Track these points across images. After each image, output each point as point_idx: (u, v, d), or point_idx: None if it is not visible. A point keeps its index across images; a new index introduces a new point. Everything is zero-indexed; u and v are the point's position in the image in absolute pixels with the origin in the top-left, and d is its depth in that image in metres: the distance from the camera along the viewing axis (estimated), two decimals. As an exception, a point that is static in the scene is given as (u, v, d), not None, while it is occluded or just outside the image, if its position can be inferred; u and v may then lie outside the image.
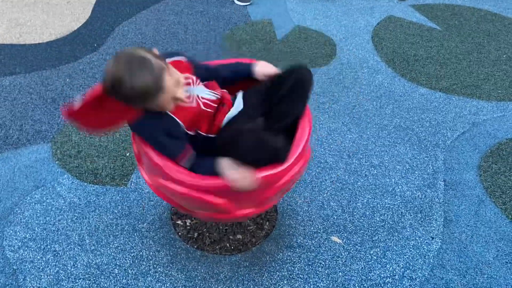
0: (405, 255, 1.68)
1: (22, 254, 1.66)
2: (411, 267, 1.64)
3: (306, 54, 2.84)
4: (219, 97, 1.42)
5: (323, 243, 1.71)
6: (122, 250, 1.67)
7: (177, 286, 1.57)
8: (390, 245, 1.71)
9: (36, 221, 1.78)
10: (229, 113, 1.43)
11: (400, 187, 1.95)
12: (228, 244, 1.70)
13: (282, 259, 1.66)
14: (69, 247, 1.69)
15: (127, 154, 2.07)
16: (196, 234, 1.73)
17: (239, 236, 1.73)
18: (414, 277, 1.61)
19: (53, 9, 3.39)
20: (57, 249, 1.68)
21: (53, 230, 1.75)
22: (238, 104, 1.46)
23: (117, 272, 1.60)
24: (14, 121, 2.29)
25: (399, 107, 2.41)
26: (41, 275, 1.59)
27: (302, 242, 1.72)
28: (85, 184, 1.93)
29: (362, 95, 2.49)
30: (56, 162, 2.04)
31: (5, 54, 2.83)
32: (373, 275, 1.61)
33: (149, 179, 1.43)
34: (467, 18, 3.33)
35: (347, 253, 1.68)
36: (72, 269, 1.61)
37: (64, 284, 1.56)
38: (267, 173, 1.26)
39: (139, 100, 1.18)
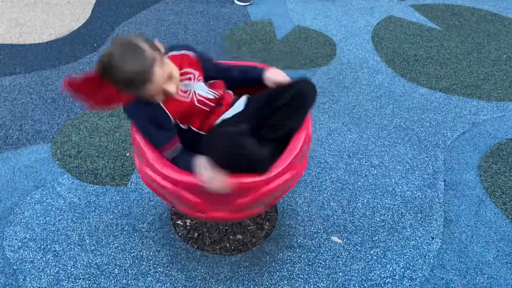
0: (405, 255, 1.68)
1: (22, 254, 1.66)
2: (411, 267, 1.64)
3: (306, 54, 2.84)
4: (217, 96, 1.42)
5: (323, 243, 1.71)
6: (122, 250, 1.67)
7: (177, 286, 1.57)
8: (390, 245, 1.71)
9: (36, 221, 1.78)
10: (224, 114, 1.42)
11: (400, 187, 1.95)
12: (228, 244, 1.70)
13: (282, 259, 1.66)
14: (69, 247, 1.69)
15: (127, 154, 2.07)
16: (196, 234, 1.73)
17: (239, 236, 1.73)
18: (414, 277, 1.61)
19: (53, 9, 3.39)
20: (57, 249, 1.68)
21: (53, 230, 1.74)
22: (237, 107, 1.45)
23: (117, 272, 1.60)
24: (14, 121, 2.28)
25: (399, 107, 2.41)
26: (41, 275, 1.59)
27: (302, 242, 1.72)
28: (85, 184, 1.93)
29: (362, 95, 2.50)
30: (56, 162, 2.04)
31: (5, 54, 2.83)
32: (373, 275, 1.61)
33: (138, 165, 1.45)
34: (467, 18, 3.33)
35: (347, 253, 1.68)
36: (72, 269, 1.61)
37: (64, 284, 1.56)
38: (241, 181, 1.23)
39: (126, 87, 1.20)
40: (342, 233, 1.75)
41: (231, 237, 1.73)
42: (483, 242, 1.73)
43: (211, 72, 1.48)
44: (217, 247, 1.69)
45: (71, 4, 3.45)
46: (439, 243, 1.72)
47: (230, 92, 1.49)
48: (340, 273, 1.62)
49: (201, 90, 1.40)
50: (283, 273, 1.61)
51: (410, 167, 2.05)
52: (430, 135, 2.23)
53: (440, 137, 2.22)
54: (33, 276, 1.59)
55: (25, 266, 1.62)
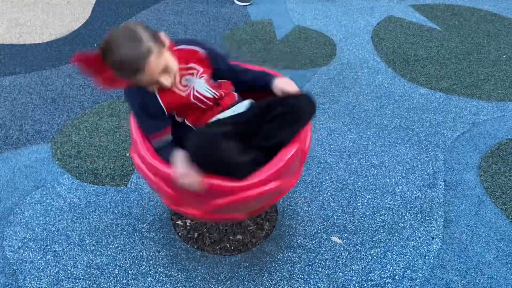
0: (405, 256, 1.68)
1: (22, 254, 1.66)
2: (411, 268, 1.64)
3: (306, 54, 2.84)
4: (216, 96, 1.42)
5: (323, 243, 1.71)
6: (122, 250, 1.67)
7: (177, 286, 1.56)
8: (390, 246, 1.71)
9: (36, 221, 1.78)
10: (220, 114, 1.42)
11: (400, 187, 1.95)
12: (228, 245, 1.70)
13: (282, 259, 1.66)
14: (69, 247, 1.68)
15: (127, 154, 2.07)
16: (196, 235, 1.73)
17: (239, 237, 1.73)
18: (414, 277, 1.61)
19: (53, 9, 3.38)
20: (57, 249, 1.68)
21: (53, 231, 1.74)
22: (236, 109, 1.44)
23: (117, 272, 1.60)
24: (14, 121, 2.28)
25: (399, 107, 2.41)
26: (41, 276, 1.59)
27: (302, 242, 1.71)
28: (85, 184, 1.93)
29: (362, 95, 2.50)
30: (56, 162, 2.03)
31: (5, 54, 2.82)
32: (373, 276, 1.61)
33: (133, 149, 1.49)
34: (467, 18, 3.33)
35: (347, 253, 1.68)
36: (72, 270, 1.61)
37: (64, 284, 1.56)
38: (213, 182, 1.24)
39: (119, 72, 1.22)
40: (342, 233, 1.75)
41: (231, 237, 1.73)
42: (483, 242, 1.73)
43: (223, 71, 1.48)
44: (217, 247, 1.69)
45: (71, 4, 3.45)
46: (439, 243, 1.72)
47: (236, 94, 1.49)
48: (340, 273, 1.62)
49: (201, 87, 1.40)
50: (283, 273, 1.61)
51: (410, 167, 2.05)
52: (430, 135, 2.23)
53: (440, 137, 2.22)
54: (33, 276, 1.59)
55: (25, 266, 1.62)
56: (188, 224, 1.77)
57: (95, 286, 1.56)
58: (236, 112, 1.43)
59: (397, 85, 2.58)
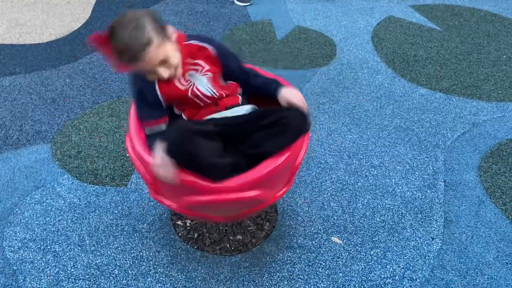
0: (406, 256, 1.68)
1: (22, 254, 1.66)
2: (411, 268, 1.64)
3: (306, 55, 2.84)
4: (215, 96, 1.42)
5: (323, 243, 1.71)
6: (122, 250, 1.67)
7: (177, 286, 1.56)
8: (391, 246, 1.71)
9: (36, 222, 1.78)
10: (216, 113, 1.42)
11: (400, 187, 1.95)
12: (228, 245, 1.70)
13: (282, 259, 1.66)
14: (69, 247, 1.68)
15: (127, 155, 2.07)
16: (196, 235, 1.73)
17: (239, 237, 1.73)
18: (414, 277, 1.61)
19: (53, 9, 3.38)
20: (57, 249, 1.68)
21: (53, 231, 1.74)
22: (234, 112, 1.43)
23: (117, 272, 1.60)
24: (14, 121, 2.28)
25: (399, 108, 2.41)
26: (41, 276, 1.59)
27: (302, 242, 1.71)
28: (85, 184, 1.93)
29: (362, 95, 2.50)
30: (56, 163, 2.03)
31: (5, 54, 2.82)
32: (373, 276, 1.61)
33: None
34: (467, 18, 3.33)
35: (347, 253, 1.68)
36: (72, 270, 1.61)
37: (64, 284, 1.56)
38: (184, 178, 1.25)
39: (118, 57, 1.24)
40: (342, 234, 1.75)
41: (231, 237, 1.73)
42: (483, 243, 1.73)
43: (233, 72, 1.48)
44: (217, 247, 1.69)
45: (71, 4, 3.45)
46: (439, 244, 1.72)
47: (240, 97, 1.48)
48: (340, 273, 1.62)
49: (201, 84, 1.40)
50: (283, 274, 1.61)
51: (410, 168, 2.05)
52: (430, 136, 2.23)
53: (440, 138, 2.22)
54: (33, 276, 1.59)
55: (25, 266, 1.62)
56: (188, 224, 1.77)
57: (95, 286, 1.56)
58: (232, 115, 1.43)
59: (397, 86, 2.58)
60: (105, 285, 1.56)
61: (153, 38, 1.22)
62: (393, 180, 1.98)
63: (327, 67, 2.72)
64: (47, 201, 1.86)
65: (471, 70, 2.73)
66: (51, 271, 1.61)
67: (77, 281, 1.57)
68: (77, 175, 1.97)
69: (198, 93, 1.40)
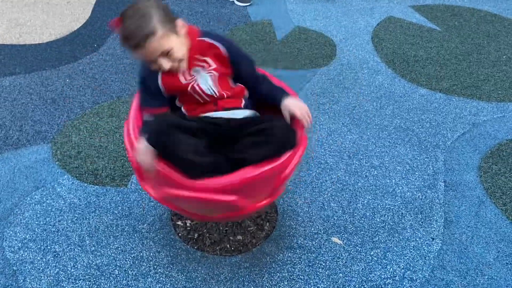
0: (406, 256, 1.68)
1: (22, 255, 1.66)
2: (411, 268, 1.64)
3: (306, 55, 2.84)
4: (215, 95, 1.42)
5: (323, 244, 1.71)
6: (122, 251, 1.67)
7: (178, 287, 1.56)
8: (391, 246, 1.71)
9: (36, 222, 1.78)
10: (212, 113, 1.43)
11: (400, 188, 1.95)
12: (228, 245, 1.70)
13: (283, 260, 1.66)
14: (69, 248, 1.68)
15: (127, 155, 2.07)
16: (196, 235, 1.73)
17: (239, 237, 1.73)
18: (414, 278, 1.61)
19: (53, 9, 3.38)
20: (57, 250, 1.68)
21: (53, 231, 1.74)
22: (231, 114, 1.43)
23: (117, 273, 1.60)
24: (14, 121, 2.28)
25: (399, 108, 2.41)
26: (41, 276, 1.59)
27: (302, 243, 1.71)
28: (85, 184, 1.93)
29: (362, 95, 2.50)
30: (56, 163, 2.03)
31: (5, 54, 2.82)
32: (373, 276, 1.61)
33: None
34: (467, 19, 3.33)
35: (347, 254, 1.68)
36: (72, 270, 1.61)
37: (64, 285, 1.56)
38: (159, 168, 1.27)
39: (124, 43, 1.27)
40: (343, 234, 1.75)
41: (231, 238, 1.73)
42: (483, 243, 1.73)
43: (243, 75, 1.47)
44: (217, 248, 1.69)
45: (71, 4, 3.45)
46: (439, 244, 1.72)
47: (243, 101, 1.47)
48: (341, 274, 1.62)
49: (203, 81, 1.40)
50: (284, 274, 1.61)
51: (410, 168, 2.05)
52: (430, 136, 2.23)
53: (440, 138, 2.22)
54: (33, 277, 1.59)
55: (25, 267, 1.62)
56: (188, 224, 1.77)
57: (95, 286, 1.56)
58: (227, 116, 1.42)
59: (397, 86, 2.58)
60: (105, 286, 1.56)
61: (157, 29, 1.24)
62: (393, 181, 1.98)
63: (327, 68, 2.72)
64: (47, 201, 1.86)
65: (471, 71, 2.73)
66: (51, 271, 1.61)
67: (77, 282, 1.57)
68: (77, 175, 1.97)
69: (198, 89, 1.40)
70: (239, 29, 3.11)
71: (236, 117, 1.42)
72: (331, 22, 3.24)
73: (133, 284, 1.57)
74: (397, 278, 1.61)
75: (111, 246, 1.69)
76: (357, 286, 1.58)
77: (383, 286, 1.58)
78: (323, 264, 1.64)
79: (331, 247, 1.70)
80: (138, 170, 1.39)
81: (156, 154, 1.27)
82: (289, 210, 1.84)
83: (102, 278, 1.58)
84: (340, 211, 1.84)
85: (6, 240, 1.71)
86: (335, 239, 1.73)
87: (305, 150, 1.43)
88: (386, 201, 1.89)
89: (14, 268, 1.61)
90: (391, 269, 1.63)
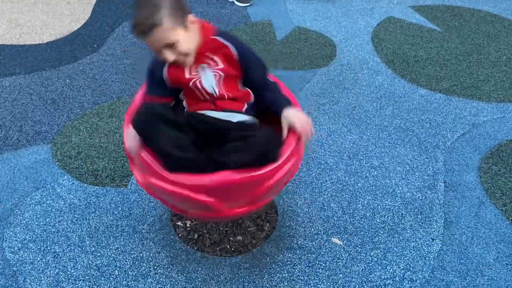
0: (406, 257, 1.68)
1: (22, 255, 1.66)
2: (411, 269, 1.64)
3: (306, 55, 2.84)
4: (215, 95, 1.42)
5: (323, 244, 1.71)
6: (122, 251, 1.67)
7: (177, 287, 1.56)
8: (391, 247, 1.71)
9: (36, 223, 1.78)
10: (209, 111, 1.43)
11: (400, 188, 1.95)
12: (228, 246, 1.70)
13: (283, 260, 1.65)
14: (69, 248, 1.68)
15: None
16: (196, 236, 1.73)
17: (239, 238, 1.73)
18: (414, 278, 1.61)
19: (53, 9, 3.38)
20: (57, 250, 1.68)
21: (53, 232, 1.74)
22: (226, 116, 1.42)
23: (117, 273, 1.60)
24: (14, 122, 2.28)
25: (399, 108, 2.41)
26: (41, 277, 1.59)
27: (302, 243, 1.71)
28: (85, 185, 1.93)
29: (362, 96, 2.50)
30: (56, 163, 2.03)
31: (5, 54, 2.82)
32: (373, 277, 1.61)
33: None
34: (467, 19, 3.33)
35: (347, 254, 1.68)
36: (72, 271, 1.61)
37: (64, 285, 1.56)
38: (141, 154, 1.30)
39: (132, 30, 1.28)
40: (343, 235, 1.75)
41: (231, 238, 1.73)
42: (483, 244, 1.73)
43: (251, 80, 1.46)
44: (217, 248, 1.69)
45: (71, 5, 3.45)
46: (439, 245, 1.72)
47: (246, 105, 1.46)
48: (341, 274, 1.62)
49: (206, 79, 1.40)
50: (284, 275, 1.61)
51: (410, 168, 2.05)
52: (430, 136, 2.23)
53: (440, 138, 2.22)
54: (33, 277, 1.59)
55: (25, 267, 1.62)
56: (188, 225, 1.77)
57: (95, 287, 1.56)
58: (221, 117, 1.42)
59: (397, 86, 2.58)
60: (105, 286, 1.56)
61: (164, 21, 1.24)
62: (393, 181, 1.98)
63: (327, 68, 2.72)
64: (47, 202, 1.86)
65: (471, 71, 2.73)
66: (51, 272, 1.61)
67: (77, 282, 1.57)
68: (77, 175, 1.97)
69: (199, 86, 1.40)
70: (239, 29, 3.11)
71: (229, 119, 1.41)
72: (331, 22, 3.24)
73: (133, 285, 1.57)
74: (397, 278, 1.61)
75: (111, 247, 1.69)
76: (357, 286, 1.58)
77: (383, 286, 1.58)
78: (323, 264, 1.64)
79: (331, 248, 1.70)
80: (127, 153, 1.42)
81: (142, 140, 1.30)
82: (289, 210, 1.84)
83: (102, 278, 1.58)
84: (340, 212, 1.84)
85: (6, 240, 1.71)
86: (335, 240, 1.73)
87: (297, 165, 1.41)
88: (386, 202, 1.89)
89: (14, 268, 1.61)
90: (391, 270, 1.63)
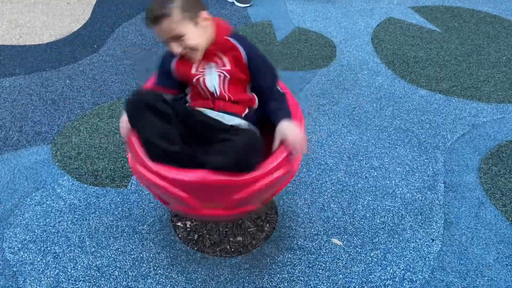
0: (406, 257, 1.68)
1: (22, 256, 1.66)
2: (411, 269, 1.64)
3: (306, 56, 2.84)
4: (215, 95, 1.42)
5: (323, 245, 1.71)
6: (122, 252, 1.67)
7: (178, 288, 1.56)
8: (391, 247, 1.71)
9: (36, 223, 1.78)
10: (207, 110, 1.43)
11: (400, 189, 1.95)
12: (228, 246, 1.70)
13: (283, 261, 1.66)
14: (69, 249, 1.68)
15: (127, 156, 2.07)
16: (196, 236, 1.73)
17: (239, 238, 1.73)
18: (414, 279, 1.61)
19: (53, 10, 3.39)
20: (57, 251, 1.68)
21: (53, 232, 1.74)
22: (220, 116, 1.42)
23: (117, 274, 1.60)
24: (14, 122, 2.28)
25: (399, 109, 2.41)
26: (41, 277, 1.59)
27: (302, 244, 1.71)
28: (85, 185, 1.93)
29: (362, 96, 2.50)
30: (56, 164, 2.03)
31: (5, 55, 2.82)
32: (373, 278, 1.61)
33: None
34: (467, 20, 3.33)
35: (347, 255, 1.68)
36: (72, 271, 1.61)
37: (64, 286, 1.56)
38: (127, 139, 1.35)
39: (145, 16, 1.34)
40: (343, 235, 1.75)
41: (231, 239, 1.73)
42: (483, 244, 1.73)
43: (258, 87, 1.44)
44: (217, 249, 1.69)
45: (71, 5, 3.45)
46: (439, 245, 1.72)
47: (248, 110, 1.45)
48: (341, 275, 1.62)
49: (210, 78, 1.41)
50: (284, 275, 1.61)
51: (410, 169, 2.05)
52: (430, 137, 2.23)
53: (440, 139, 2.22)
54: (33, 278, 1.58)
55: (25, 268, 1.62)
56: (188, 226, 1.77)
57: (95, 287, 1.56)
58: (215, 117, 1.42)
59: (397, 87, 2.58)
60: (105, 287, 1.56)
61: (174, 12, 1.27)
62: (393, 182, 1.98)
63: (327, 69, 2.73)
64: (47, 202, 1.86)
65: (471, 72, 2.73)
66: (51, 272, 1.60)
67: (77, 283, 1.57)
68: (77, 176, 1.97)
69: (202, 84, 1.41)
70: (239, 30, 3.11)
71: (223, 120, 1.41)
72: (331, 23, 3.24)
73: (133, 285, 1.57)
74: (397, 279, 1.61)
75: (111, 247, 1.69)
76: (357, 287, 1.58)
77: (383, 287, 1.58)
78: (323, 265, 1.64)
79: (331, 248, 1.70)
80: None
81: (130, 126, 1.33)
82: (289, 211, 1.84)
83: (102, 279, 1.58)
84: (340, 212, 1.84)
85: (6, 241, 1.71)
86: (335, 240, 1.73)
87: (286, 179, 1.38)
88: (386, 202, 1.89)
89: (14, 269, 1.61)
90: (391, 270, 1.63)
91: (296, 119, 1.40)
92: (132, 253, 1.67)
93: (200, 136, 1.39)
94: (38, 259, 1.65)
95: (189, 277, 1.60)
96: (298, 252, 1.69)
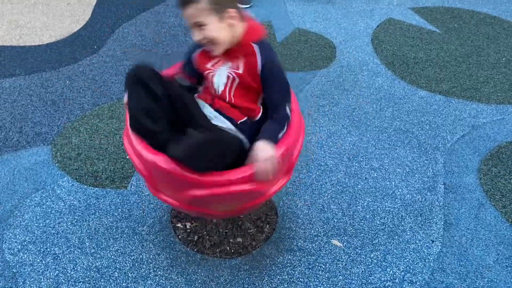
0: (405, 259, 1.68)
1: (21, 257, 1.66)
2: (411, 271, 1.64)
3: (306, 57, 2.84)
4: (217, 94, 1.42)
5: (323, 246, 1.71)
6: (122, 253, 1.67)
7: (177, 289, 1.56)
8: (390, 249, 1.71)
9: (36, 224, 1.77)
10: (205, 106, 1.43)
11: (400, 190, 1.95)
12: (228, 247, 1.70)
13: (283, 262, 1.65)
14: (69, 250, 1.68)
15: (127, 157, 2.07)
16: (196, 237, 1.73)
17: (239, 239, 1.73)
18: (414, 280, 1.61)
19: (53, 11, 3.39)
20: (57, 252, 1.67)
21: (53, 233, 1.74)
22: (213, 115, 1.41)
23: (117, 275, 1.60)
24: (14, 123, 2.28)
25: (399, 110, 2.41)
26: (41, 279, 1.59)
27: (302, 245, 1.71)
28: (85, 186, 1.93)
29: (362, 97, 2.50)
30: (56, 165, 2.03)
31: (5, 56, 2.82)
32: (373, 279, 1.61)
33: None
34: (467, 21, 3.33)
35: (347, 256, 1.68)
36: (72, 272, 1.61)
37: (64, 287, 1.56)
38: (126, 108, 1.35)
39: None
40: (342, 236, 1.75)
41: (231, 240, 1.72)
42: (483, 246, 1.73)
43: (266, 100, 1.43)
44: (217, 250, 1.69)
45: (71, 6, 3.45)
46: (439, 247, 1.72)
47: (246, 118, 1.42)
48: (340, 276, 1.62)
49: (219, 77, 1.42)
50: (283, 277, 1.61)
51: (410, 170, 2.05)
52: (430, 138, 2.23)
53: (440, 140, 2.22)
54: (32, 279, 1.58)
55: (24, 269, 1.62)
56: (188, 227, 1.77)
57: (95, 289, 1.56)
58: (206, 114, 1.41)
59: (396, 88, 2.58)
60: (105, 288, 1.56)
61: (201, 1, 1.28)
62: (393, 183, 1.98)
63: (327, 69, 2.73)
64: (47, 203, 1.86)
65: (471, 73, 2.74)
66: (51, 273, 1.60)
67: (77, 284, 1.57)
68: (77, 177, 1.97)
69: (210, 79, 1.44)
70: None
71: (213, 121, 1.40)
72: (331, 24, 3.24)
73: (133, 287, 1.57)
74: (397, 280, 1.61)
75: (110, 248, 1.69)
76: (357, 288, 1.58)
77: (383, 288, 1.58)
78: (323, 266, 1.64)
79: (331, 250, 1.70)
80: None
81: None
82: (289, 212, 1.84)
83: (102, 280, 1.58)
84: (340, 214, 1.84)
85: (5, 242, 1.71)
86: (335, 242, 1.73)
87: (253, 197, 1.35)
88: (386, 204, 1.89)
89: (13, 270, 1.61)
90: (391, 272, 1.63)
91: (281, 145, 1.34)
92: (132, 254, 1.67)
93: (183, 123, 1.35)
94: (38, 260, 1.65)
95: (189, 278, 1.59)
96: (298, 253, 1.69)
